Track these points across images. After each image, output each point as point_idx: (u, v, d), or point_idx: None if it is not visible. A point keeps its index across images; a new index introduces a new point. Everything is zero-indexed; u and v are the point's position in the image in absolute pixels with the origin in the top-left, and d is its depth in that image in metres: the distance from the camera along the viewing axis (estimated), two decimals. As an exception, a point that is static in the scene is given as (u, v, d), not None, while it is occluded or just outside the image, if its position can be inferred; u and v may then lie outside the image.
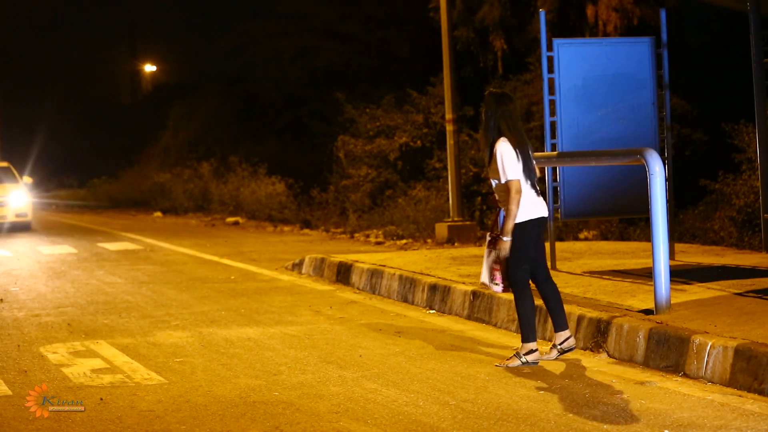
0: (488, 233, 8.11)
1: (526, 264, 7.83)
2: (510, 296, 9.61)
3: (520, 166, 7.72)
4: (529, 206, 7.76)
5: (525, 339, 7.85)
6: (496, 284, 7.94)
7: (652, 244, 8.22)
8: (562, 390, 7.02)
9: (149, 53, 45.38)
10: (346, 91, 26.07)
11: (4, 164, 25.83)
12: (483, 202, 20.16)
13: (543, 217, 7.85)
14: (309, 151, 29.87)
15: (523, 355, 7.81)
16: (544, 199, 8.04)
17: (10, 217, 24.05)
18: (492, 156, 7.81)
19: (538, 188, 7.87)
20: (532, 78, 20.48)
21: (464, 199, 19.06)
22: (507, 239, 7.71)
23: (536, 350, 7.86)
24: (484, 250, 8.09)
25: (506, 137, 7.78)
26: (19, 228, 24.19)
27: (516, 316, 9.33)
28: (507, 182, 7.68)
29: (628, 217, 15.03)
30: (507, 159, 7.70)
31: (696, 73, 21.29)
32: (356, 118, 25.15)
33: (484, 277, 8.03)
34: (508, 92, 8.05)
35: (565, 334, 7.94)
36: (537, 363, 7.82)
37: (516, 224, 7.71)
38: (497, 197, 7.89)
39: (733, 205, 14.96)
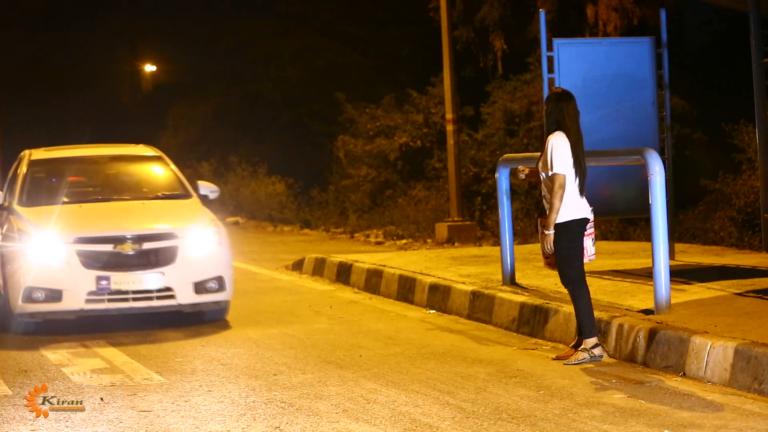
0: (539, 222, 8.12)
1: (578, 261, 7.85)
2: (509, 296, 9.61)
3: (570, 162, 7.73)
4: (573, 206, 7.78)
5: (588, 334, 7.83)
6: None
7: (652, 244, 8.22)
8: (562, 390, 7.02)
9: (149, 53, 45.38)
10: (346, 91, 26.05)
11: (151, 150, 11.85)
12: (483, 202, 20.14)
13: (586, 218, 7.86)
14: (309, 151, 29.85)
15: (590, 349, 7.80)
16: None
17: (184, 293, 9.75)
18: (544, 148, 7.81)
19: (584, 189, 7.88)
20: (532, 78, 20.45)
21: (464, 199, 19.05)
22: (549, 232, 7.74)
23: (600, 344, 7.87)
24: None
25: (564, 132, 7.77)
26: (201, 317, 10.17)
27: (516, 314, 9.33)
28: (552, 175, 7.69)
29: (628, 217, 15.02)
30: (557, 151, 7.71)
31: (696, 73, 21.27)
32: (356, 118, 25.13)
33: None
34: (569, 92, 8.02)
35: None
36: (602, 358, 7.83)
37: (560, 224, 7.72)
38: (544, 191, 7.89)
39: (733, 205, 14.95)
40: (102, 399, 7.08)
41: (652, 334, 7.67)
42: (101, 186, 11.11)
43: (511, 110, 20.76)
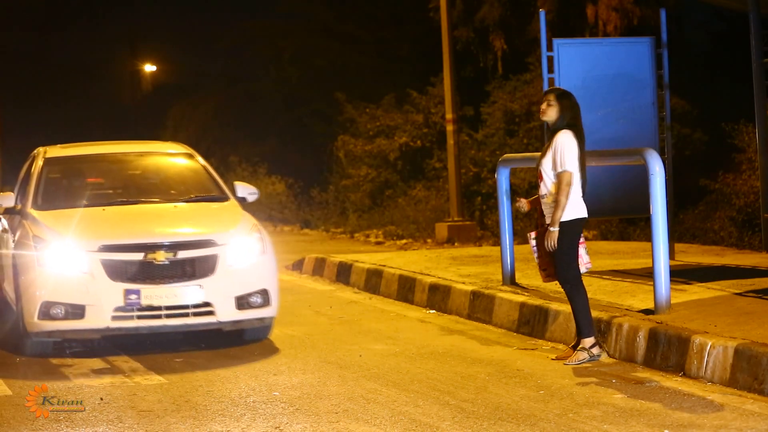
0: (533, 233, 8.11)
1: (575, 261, 7.86)
2: (509, 296, 9.61)
3: (577, 162, 7.75)
4: (577, 205, 7.79)
5: (586, 334, 7.83)
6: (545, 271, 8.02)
7: (652, 244, 8.22)
8: (562, 390, 7.02)
9: (149, 53, 45.40)
10: (346, 91, 26.07)
11: (181, 147, 10.77)
12: (483, 202, 20.15)
13: (585, 218, 7.89)
14: (309, 151, 29.88)
15: (588, 349, 7.80)
16: None
17: (224, 309, 8.59)
18: (550, 145, 7.79)
19: (585, 189, 7.92)
20: (532, 78, 20.46)
21: (464, 199, 19.06)
22: (555, 229, 7.72)
23: (599, 344, 7.89)
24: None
25: (572, 131, 7.80)
26: (240, 336, 9.05)
27: (516, 314, 9.33)
28: (561, 172, 7.69)
29: (628, 217, 15.03)
30: (568, 149, 7.71)
31: (696, 73, 21.28)
32: (356, 118, 25.15)
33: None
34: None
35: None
36: (600, 357, 7.85)
37: (564, 222, 7.72)
38: (544, 192, 7.85)
39: (733, 205, 14.96)
40: (102, 399, 7.08)
41: (652, 334, 7.67)
42: (126, 187, 9.89)
43: (511, 110, 20.77)
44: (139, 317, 8.38)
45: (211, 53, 37.33)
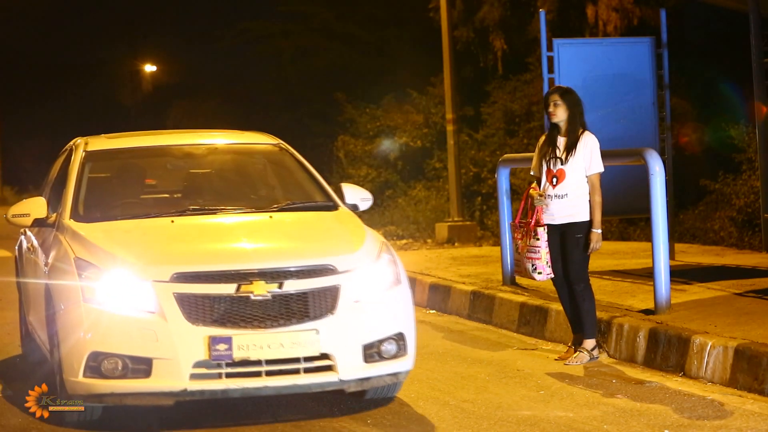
0: (515, 223, 8.04)
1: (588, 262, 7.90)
2: (509, 296, 9.61)
3: None
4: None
5: (590, 335, 7.85)
6: (540, 272, 7.84)
7: (652, 244, 8.22)
8: (562, 390, 7.02)
9: (149, 53, 45.43)
10: (346, 91, 26.07)
11: (269, 138, 8.20)
12: (483, 202, 20.15)
13: None
14: (309, 151, 29.87)
15: (590, 351, 7.82)
16: None
17: (348, 362, 6.12)
18: (574, 147, 7.75)
19: None
20: (532, 78, 20.45)
21: (464, 199, 19.06)
22: (599, 230, 7.76)
23: (600, 345, 7.95)
24: (515, 243, 7.99)
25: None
26: (367, 397, 6.73)
27: (516, 314, 9.33)
28: (596, 174, 7.73)
29: (628, 217, 15.03)
30: (598, 150, 7.78)
31: (696, 73, 21.28)
32: (356, 118, 25.16)
33: (529, 271, 7.87)
34: None
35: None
36: (599, 357, 7.88)
37: (587, 222, 7.75)
38: (563, 191, 7.78)
39: (733, 205, 14.95)
40: (102, 399, 7.07)
41: (652, 334, 7.67)
42: (199, 190, 7.54)
43: (511, 110, 20.76)
44: (230, 375, 5.97)
45: (211, 53, 37.34)
